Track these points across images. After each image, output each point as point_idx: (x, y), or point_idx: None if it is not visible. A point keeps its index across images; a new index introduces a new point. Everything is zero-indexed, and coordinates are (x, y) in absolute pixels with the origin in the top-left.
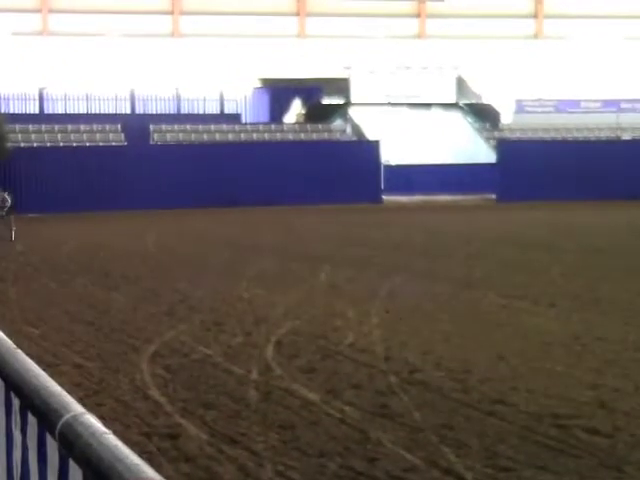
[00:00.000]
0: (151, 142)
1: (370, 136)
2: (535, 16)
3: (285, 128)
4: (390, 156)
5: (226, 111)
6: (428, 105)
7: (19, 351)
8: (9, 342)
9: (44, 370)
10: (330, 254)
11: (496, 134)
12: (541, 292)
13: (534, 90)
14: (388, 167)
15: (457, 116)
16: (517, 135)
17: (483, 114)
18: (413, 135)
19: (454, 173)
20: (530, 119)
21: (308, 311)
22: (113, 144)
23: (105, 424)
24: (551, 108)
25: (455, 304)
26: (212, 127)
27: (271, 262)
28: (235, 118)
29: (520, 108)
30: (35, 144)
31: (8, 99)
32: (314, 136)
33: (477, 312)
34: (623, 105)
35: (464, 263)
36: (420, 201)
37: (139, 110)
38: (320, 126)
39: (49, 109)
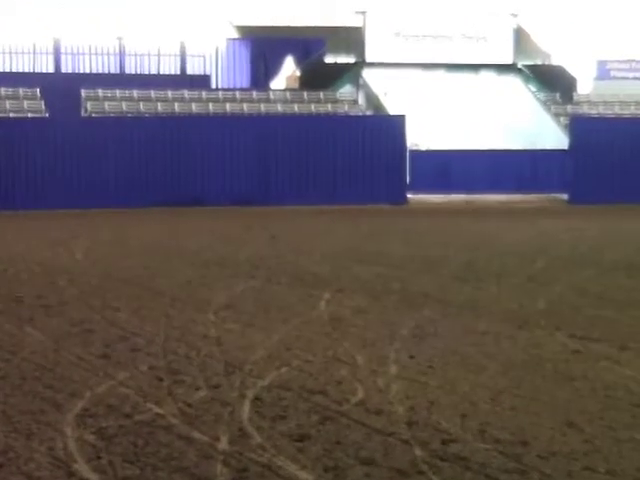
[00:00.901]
0: (83, 114)
1: (392, 109)
2: None
3: (272, 96)
4: (420, 138)
5: (189, 71)
6: (475, 67)
7: None
8: None
9: None
10: (333, 275)
11: (569, 108)
12: (629, 333)
13: (623, 47)
14: (416, 153)
15: (515, 83)
16: (599, 110)
17: (552, 80)
18: (453, 109)
19: (510, 163)
20: (617, 88)
21: (300, 355)
22: (29, 116)
23: None
24: None
25: (507, 348)
26: (169, 94)
27: (250, 285)
28: (202, 81)
29: (603, 72)
30: None
31: None
32: (313, 108)
33: (538, 360)
34: None
35: (522, 291)
36: (461, 202)
37: (66, 69)
38: (322, 94)
39: None
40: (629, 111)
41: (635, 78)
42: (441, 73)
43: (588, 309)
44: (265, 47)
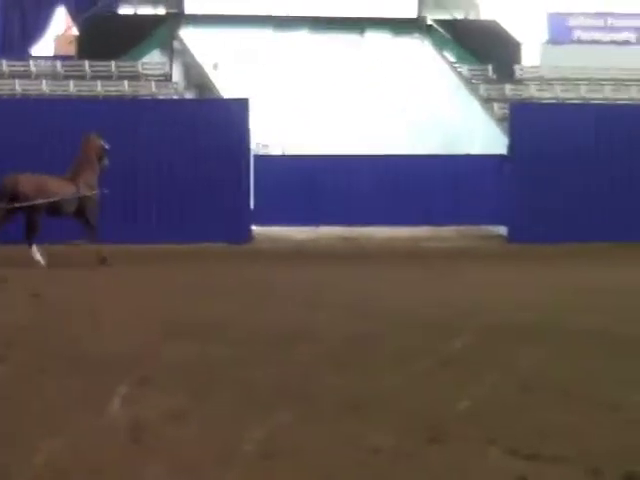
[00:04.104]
0: None
1: (226, 90)
2: None
3: (34, 69)
4: (270, 136)
5: None
6: (358, 24)
7: None
8: None
9: None
10: (134, 357)
11: (509, 90)
12: (601, 446)
13: None
14: (266, 159)
15: (422, 48)
16: (556, 93)
17: (481, 45)
18: (323, 90)
19: (414, 177)
20: (583, 57)
21: None
22: None
23: None
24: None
25: (411, 474)
26: None
27: None
28: None
29: (562, 32)
30: None
31: None
32: (99, 87)
33: None
34: None
35: (434, 382)
36: (338, 239)
37: None
38: (113, 66)
39: None
40: (602, 94)
41: (612, 42)
42: (303, 33)
43: (536, 409)
44: None
